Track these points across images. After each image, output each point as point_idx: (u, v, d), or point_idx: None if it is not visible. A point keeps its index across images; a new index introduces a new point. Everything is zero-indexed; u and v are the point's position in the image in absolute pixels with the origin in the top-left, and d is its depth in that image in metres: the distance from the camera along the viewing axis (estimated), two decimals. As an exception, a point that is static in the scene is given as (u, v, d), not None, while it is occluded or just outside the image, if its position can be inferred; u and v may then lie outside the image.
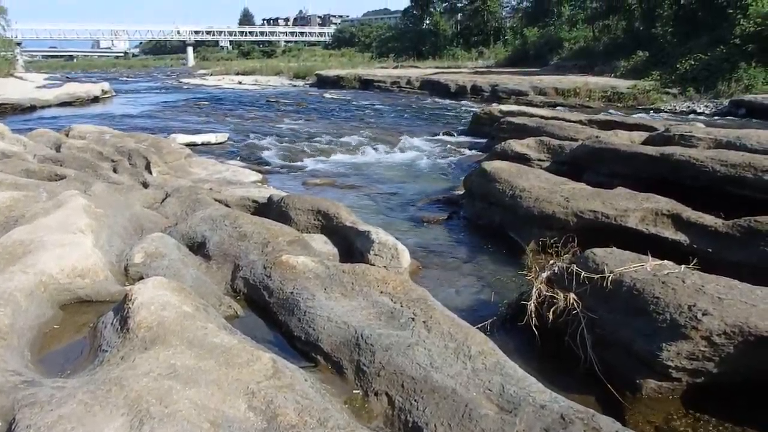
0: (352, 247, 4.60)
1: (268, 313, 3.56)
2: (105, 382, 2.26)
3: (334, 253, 4.62)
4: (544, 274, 3.40)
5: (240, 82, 32.65)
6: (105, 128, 10.25)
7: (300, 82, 32.35)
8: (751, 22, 17.45)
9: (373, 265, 4.10)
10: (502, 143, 8.14)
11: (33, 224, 3.99)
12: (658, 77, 18.66)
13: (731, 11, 18.78)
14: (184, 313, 2.82)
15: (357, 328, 2.98)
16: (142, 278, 3.62)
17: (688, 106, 16.10)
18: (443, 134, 12.28)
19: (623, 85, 18.70)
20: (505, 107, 12.48)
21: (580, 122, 9.76)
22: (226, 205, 5.53)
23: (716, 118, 14.41)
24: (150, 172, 7.29)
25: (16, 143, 7.94)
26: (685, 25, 21.40)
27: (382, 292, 3.34)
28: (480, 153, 9.84)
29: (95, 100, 22.03)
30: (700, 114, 15.09)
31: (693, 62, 18.05)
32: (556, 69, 25.83)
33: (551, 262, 3.51)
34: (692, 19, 21.40)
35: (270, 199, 5.53)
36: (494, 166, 6.14)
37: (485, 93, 20.86)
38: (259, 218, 4.67)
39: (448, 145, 10.97)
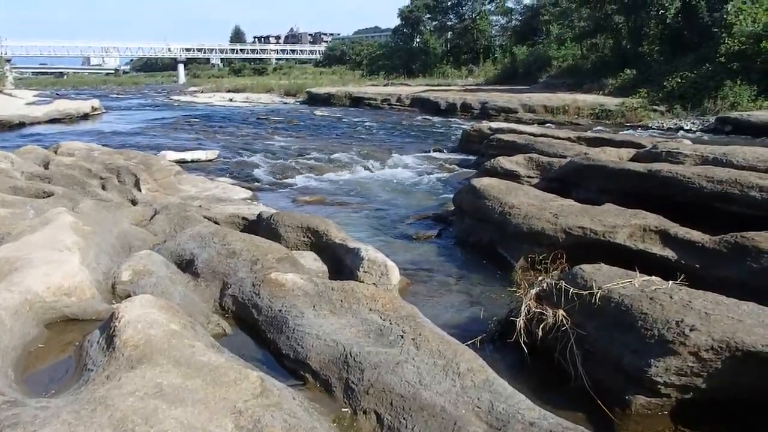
0: (341, 264, 4.60)
1: (256, 331, 3.54)
2: (90, 402, 2.24)
3: (324, 270, 4.62)
4: (533, 291, 3.41)
5: (231, 100, 32.77)
6: (94, 145, 10.23)
7: (291, 100, 32.49)
8: (736, 40, 17.79)
9: (363, 282, 4.10)
10: (492, 160, 8.20)
11: (19, 242, 3.96)
12: (646, 95, 18.92)
13: (716, 30, 19.13)
14: (172, 331, 2.80)
15: (346, 345, 2.97)
16: (129, 296, 3.59)
17: (675, 123, 16.31)
18: (433, 151, 12.35)
19: (611, 102, 18.93)
20: (494, 124, 12.60)
21: (569, 139, 9.87)
22: (216, 223, 5.52)
23: (703, 134, 14.61)
24: (139, 189, 7.27)
25: (3, 160, 7.90)
26: (672, 43, 21.78)
27: (371, 310, 3.34)
28: (470, 170, 9.91)
29: (85, 117, 22.00)
30: (687, 131, 15.28)
31: (680, 80, 18.32)
32: (546, 87, 26.13)
33: (540, 278, 3.52)
34: (678, 37, 21.78)
35: (259, 216, 5.52)
36: (484, 183, 6.17)
37: (475, 110, 21.05)
38: (249, 235, 4.66)
39: (438, 162, 11.04)
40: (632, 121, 17.22)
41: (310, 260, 4.72)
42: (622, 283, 3.15)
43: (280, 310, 3.50)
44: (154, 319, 2.84)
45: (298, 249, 4.92)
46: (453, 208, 6.97)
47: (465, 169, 10.18)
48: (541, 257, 4.34)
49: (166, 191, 7.51)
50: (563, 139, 9.85)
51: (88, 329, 3.19)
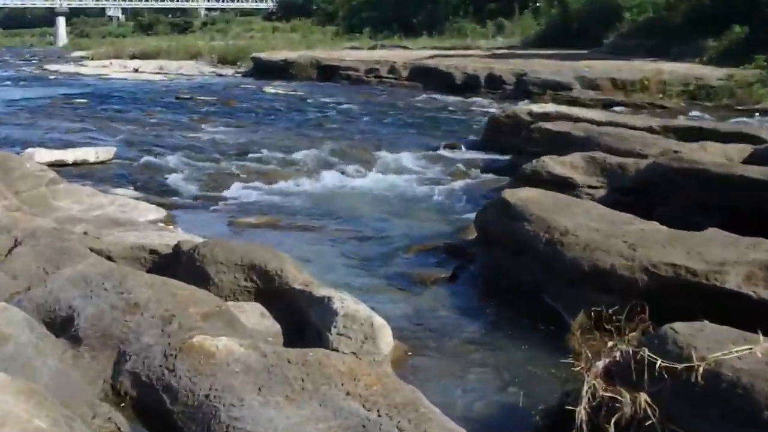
0: (304, 322, 4.58)
1: (169, 427, 3.48)
2: None
3: (276, 331, 4.59)
4: (601, 364, 3.38)
5: (137, 70, 32.87)
6: None
7: (228, 70, 32.64)
8: None
9: (337, 350, 4.07)
10: (534, 162, 8.25)
11: None
12: (766, 64, 19.05)
13: None
14: (36, 430, 2.74)
15: (310, 451, 2.92)
16: (-30, 375, 3.51)
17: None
18: (444, 148, 12.42)
19: (713, 75, 19.17)
20: (537, 107, 12.68)
21: (651, 130, 9.94)
22: (110, 259, 5.46)
23: None
24: (-9, 207, 7.20)
25: None
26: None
27: (349, 394, 3.29)
28: (499, 177, 9.98)
29: None
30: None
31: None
32: (614, 51, 26.49)
33: (610, 344, 3.50)
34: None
35: (178, 248, 5.47)
36: (522, 196, 6.19)
37: (507, 86, 21.25)
38: (161, 278, 4.62)
39: (452, 165, 11.11)
40: (746, 102, 17.35)
41: (255, 316, 4.68)
42: (737, 352, 3.12)
43: (207, 396, 3.44)
44: (7, 411, 2.77)
45: (237, 298, 4.88)
46: (475, 234, 6.95)
47: (492, 176, 10.24)
48: (610, 311, 4.30)
49: (34, 210, 7.43)
50: (642, 129, 9.92)
51: None
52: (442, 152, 12.14)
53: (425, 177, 10.45)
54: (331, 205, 9.08)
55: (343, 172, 10.70)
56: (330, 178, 10.40)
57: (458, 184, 9.95)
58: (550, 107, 12.88)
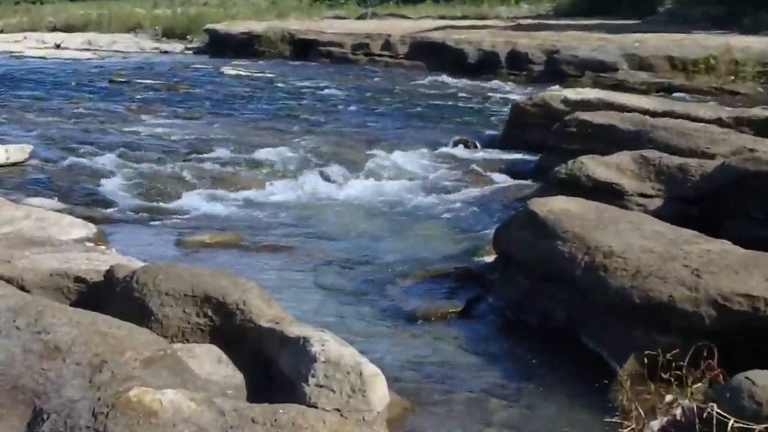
0: (273, 368, 4.58)
1: (99, 508, 3.45)
2: None
3: (237, 382, 4.56)
4: (657, 424, 3.37)
5: (58, 46, 32.78)
6: None
7: (176, 46, 32.60)
8: None
9: (316, 406, 4.05)
10: (570, 163, 8.28)
11: None
12: None
13: None
14: None
15: None
16: None
17: None
18: (454, 146, 12.48)
19: (799, 51, 19.20)
20: (573, 93, 12.71)
21: (720, 122, 9.95)
22: (23, 289, 5.44)
23: None
24: None
25: None
26: None
27: (332, 464, 3.28)
28: (525, 182, 10.04)
29: None
30: None
31: None
32: (670, 21, 26.54)
33: (669, 398, 3.49)
34: None
35: (111, 275, 5.46)
36: (554, 208, 6.19)
37: (535, 66, 21.38)
38: (89, 314, 4.59)
39: (465, 167, 11.16)
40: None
41: (211, 362, 4.66)
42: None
43: (147, 467, 3.41)
44: None
45: (187, 339, 4.86)
46: (493, 257, 6.99)
47: (516, 181, 10.31)
48: (669, 355, 4.30)
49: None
50: (708, 121, 9.94)
51: None
52: (452, 151, 12.19)
53: (429, 183, 10.50)
54: (309, 219, 9.11)
55: (324, 177, 10.72)
56: (308, 185, 10.43)
57: (472, 191, 10.00)
58: (591, 93, 12.91)
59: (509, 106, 13.55)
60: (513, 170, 10.80)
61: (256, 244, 8.14)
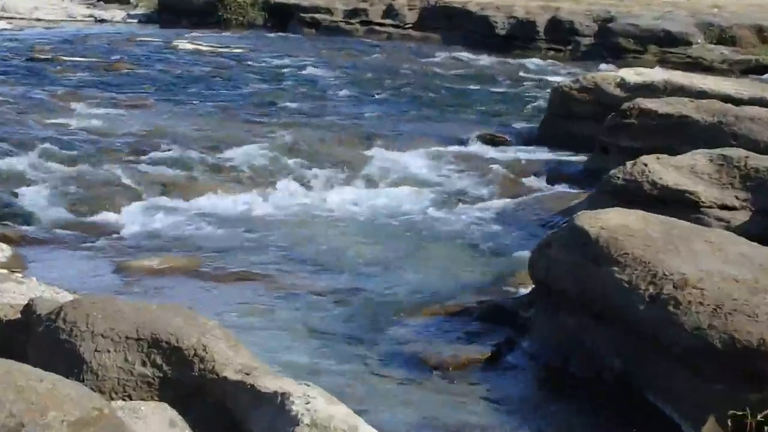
0: (242, 435, 4.51)
1: None
2: None
3: (196, 452, 4.54)
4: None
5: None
6: None
7: (116, 12, 32.55)
8: None
9: (298, 485, 4.02)
10: (629, 165, 8.27)
11: None
12: None
13: None
14: None
15: None
16: None
17: None
18: (479, 142, 12.54)
19: None
20: (633, 74, 12.69)
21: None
22: None
23: None
24: None
25: None
26: None
27: None
28: (570, 189, 10.11)
29: None
30: None
31: None
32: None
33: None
34: None
35: (31, 311, 5.44)
36: (609, 224, 6.16)
37: (582, 39, 21.51)
38: (3, 363, 4.58)
39: (491, 172, 11.16)
40: None
41: (161, 424, 4.65)
42: None
43: None
44: None
45: (130, 395, 4.84)
46: (530, 287, 6.96)
47: (558, 188, 10.37)
48: (761, 415, 4.29)
49: None
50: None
51: None
52: (474, 149, 12.24)
53: (445, 191, 10.50)
54: (288, 238, 9.08)
55: (308, 184, 10.74)
56: (287, 194, 10.46)
57: (500, 202, 10.01)
58: (656, 74, 12.93)
59: (549, 91, 13.55)
60: (554, 174, 10.79)
61: (219, 272, 8.09)
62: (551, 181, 10.56)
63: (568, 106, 12.35)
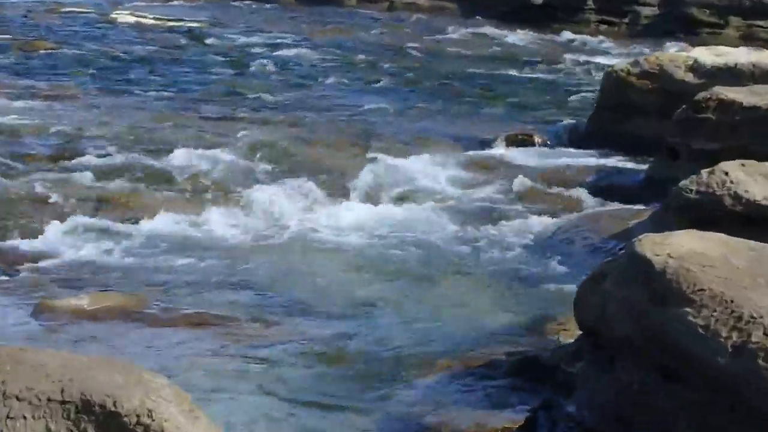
0: None
1: None
2: None
3: None
4: None
5: None
6: None
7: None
8: None
9: None
10: (705, 174, 8.26)
11: None
12: None
13: None
14: None
15: None
16: None
17: None
18: (505, 142, 12.61)
19: None
20: (709, 54, 12.73)
21: None
22: None
23: None
24: None
25: None
26: None
27: None
28: (628, 206, 10.07)
29: None
30: None
31: None
32: None
33: None
34: None
35: None
36: (679, 249, 6.12)
37: (643, 9, 21.65)
38: None
39: (523, 181, 11.17)
40: None
41: None
42: None
43: None
44: None
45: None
46: (575, 333, 6.94)
47: (611, 204, 10.35)
48: None
49: None
50: None
51: None
52: (503, 153, 12.30)
53: (464, 208, 10.49)
54: (259, 269, 9.05)
55: (285, 199, 10.68)
56: (257, 212, 10.42)
57: (536, 223, 10.01)
58: (740, 54, 12.97)
59: (601, 76, 13.56)
60: (606, 186, 10.80)
61: (169, 314, 8.01)
62: (602, 195, 10.54)
63: (624, 96, 12.35)
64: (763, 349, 5.47)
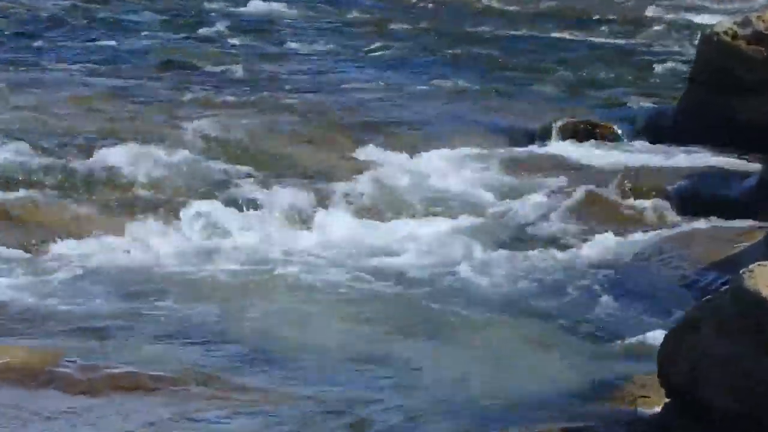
0: None
1: None
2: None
3: None
4: None
5: None
6: None
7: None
8: None
9: None
10: None
11: None
12: None
13: None
14: None
15: None
16: None
17: None
18: (560, 134, 12.72)
19: None
20: None
21: None
22: None
23: None
24: None
25: None
26: None
27: None
28: (730, 222, 10.10)
29: None
30: None
31: None
32: None
33: None
34: None
35: None
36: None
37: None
38: None
39: (586, 186, 11.21)
40: None
41: None
42: None
43: None
44: None
45: None
46: (661, 400, 6.85)
47: (708, 220, 10.35)
48: None
49: None
50: None
51: None
52: (555, 148, 12.43)
53: (502, 224, 10.56)
54: (217, 308, 9.05)
55: (252, 211, 10.75)
56: (214, 228, 10.47)
57: (603, 245, 10.03)
58: None
59: (695, 41, 13.57)
60: (702, 193, 10.80)
61: (94, 374, 7.96)
62: (696, 207, 10.55)
63: (728, 68, 12.37)
64: (736, 397, 5.48)
